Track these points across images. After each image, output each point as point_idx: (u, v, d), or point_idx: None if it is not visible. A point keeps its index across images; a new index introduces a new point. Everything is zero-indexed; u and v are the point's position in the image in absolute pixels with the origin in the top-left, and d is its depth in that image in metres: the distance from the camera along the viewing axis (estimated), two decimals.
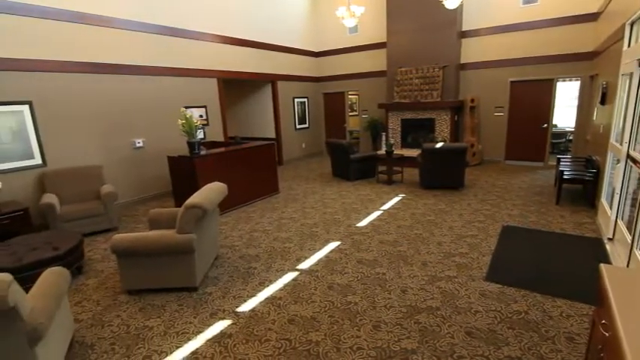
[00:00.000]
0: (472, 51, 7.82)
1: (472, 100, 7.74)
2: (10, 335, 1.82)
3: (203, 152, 4.95)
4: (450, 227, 4.29)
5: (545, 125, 7.31)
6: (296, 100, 9.45)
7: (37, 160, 4.68)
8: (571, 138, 7.95)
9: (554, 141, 8.12)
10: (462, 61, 7.96)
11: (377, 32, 8.82)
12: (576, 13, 6.56)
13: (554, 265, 3.24)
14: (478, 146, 7.91)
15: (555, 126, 8.19)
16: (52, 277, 2.32)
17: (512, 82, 7.50)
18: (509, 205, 5.01)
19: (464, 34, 7.84)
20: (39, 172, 4.67)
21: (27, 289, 2.06)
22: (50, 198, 4.27)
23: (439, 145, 5.95)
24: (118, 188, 5.11)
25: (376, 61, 9.02)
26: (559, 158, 6.04)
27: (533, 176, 6.70)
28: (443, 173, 5.91)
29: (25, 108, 4.52)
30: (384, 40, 8.52)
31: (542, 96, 7.25)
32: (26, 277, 2.75)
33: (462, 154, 5.72)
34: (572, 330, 2.35)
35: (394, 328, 2.45)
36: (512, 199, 5.32)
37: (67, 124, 4.96)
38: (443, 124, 7.99)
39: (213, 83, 7.06)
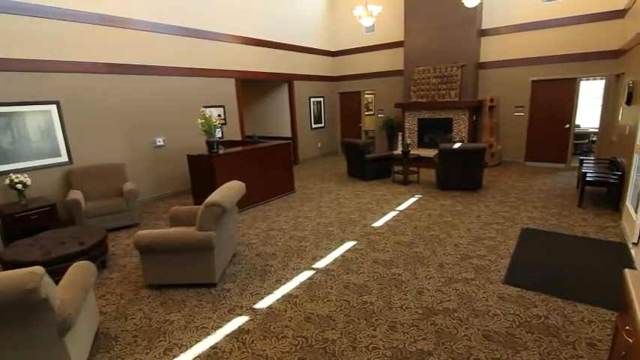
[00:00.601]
0: (492, 50, 7.68)
1: (491, 100, 7.61)
2: (41, 325, 1.91)
3: (221, 151, 5.04)
4: (468, 229, 4.24)
5: (568, 125, 7.12)
6: (312, 99, 9.49)
7: (64, 157, 4.86)
8: (594, 139, 7.71)
9: (576, 142, 7.89)
10: (481, 60, 7.82)
11: (394, 31, 8.77)
12: (601, 11, 6.36)
13: (575, 269, 3.17)
14: (497, 147, 7.77)
15: (578, 126, 7.96)
16: (80, 270, 2.41)
17: (533, 81, 7.33)
18: (529, 208, 4.91)
19: (483, 33, 7.71)
20: (65, 170, 4.86)
21: (55, 282, 2.15)
22: (76, 194, 4.44)
23: (457, 145, 5.88)
24: (138, 186, 5.26)
25: (393, 61, 8.97)
26: (582, 159, 5.88)
27: (555, 178, 6.54)
28: (460, 174, 5.83)
29: (53, 108, 4.70)
30: (402, 39, 8.46)
31: (564, 95, 7.06)
32: (54, 270, 2.87)
33: (480, 155, 5.63)
34: (593, 336, 2.30)
35: (410, 329, 2.46)
36: (532, 201, 5.21)
37: (91, 123, 5.13)
38: (461, 124, 7.88)
39: (231, 83, 7.16)
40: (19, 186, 4.14)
